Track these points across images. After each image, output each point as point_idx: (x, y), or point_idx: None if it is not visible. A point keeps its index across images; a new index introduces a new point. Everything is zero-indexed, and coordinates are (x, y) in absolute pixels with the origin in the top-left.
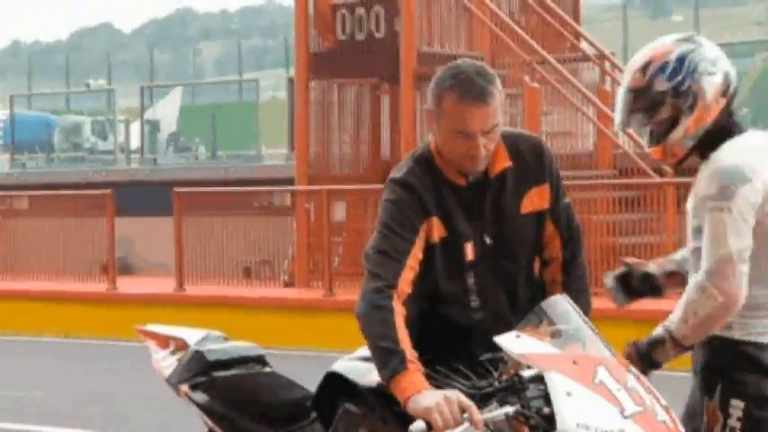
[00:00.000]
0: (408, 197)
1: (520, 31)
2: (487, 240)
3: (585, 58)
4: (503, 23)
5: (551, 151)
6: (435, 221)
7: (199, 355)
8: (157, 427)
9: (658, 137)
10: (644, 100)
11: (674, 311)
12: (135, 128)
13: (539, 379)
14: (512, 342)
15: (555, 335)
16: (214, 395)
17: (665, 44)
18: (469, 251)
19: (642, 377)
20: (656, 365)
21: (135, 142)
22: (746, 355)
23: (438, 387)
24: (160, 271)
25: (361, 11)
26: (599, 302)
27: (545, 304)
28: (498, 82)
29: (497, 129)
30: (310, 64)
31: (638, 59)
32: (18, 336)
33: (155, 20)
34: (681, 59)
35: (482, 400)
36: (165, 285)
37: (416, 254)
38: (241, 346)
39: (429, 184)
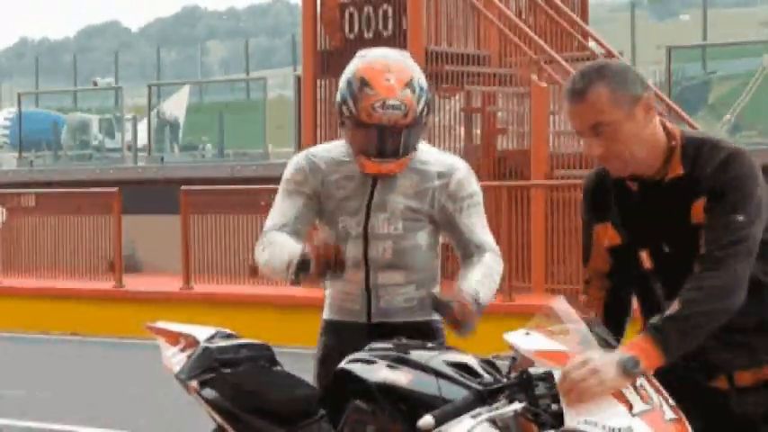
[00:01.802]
0: (583, 199)
1: (528, 30)
2: (666, 249)
3: (593, 58)
4: (511, 22)
5: (742, 167)
6: (609, 228)
7: (208, 352)
8: (162, 427)
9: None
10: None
11: (473, 283)
12: (142, 126)
13: (547, 377)
14: (521, 339)
15: (564, 333)
16: (223, 392)
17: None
18: (646, 259)
19: (650, 376)
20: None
21: (142, 140)
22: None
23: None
24: (167, 269)
25: (368, 9)
26: None
27: (554, 303)
28: (614, 80)
29: (608, 129)
30: (318, 62)
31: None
32: (25, 334)
33: (162, 18)
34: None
35: (491, 397)
36: (172, 283)
37: (599, 254)
38: (250, 344)
39: (608, 188)
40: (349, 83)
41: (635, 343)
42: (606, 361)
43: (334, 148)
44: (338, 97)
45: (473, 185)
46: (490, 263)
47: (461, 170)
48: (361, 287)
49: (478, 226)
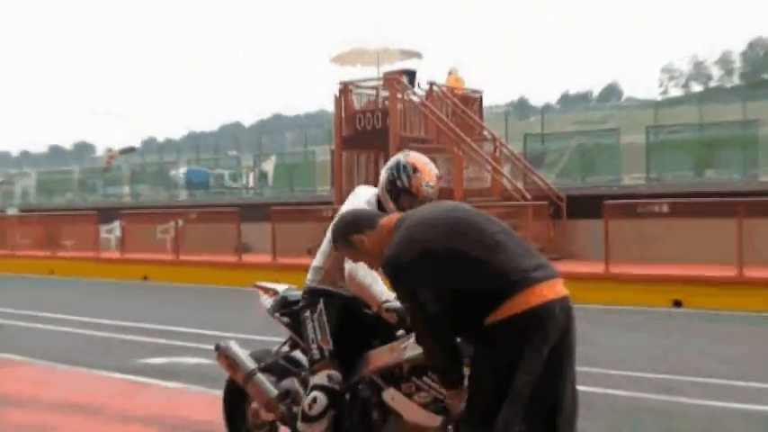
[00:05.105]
0: None
1: (451, 124)
2: None
3: (485, 139)
4: (442, 120)
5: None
6: None
7: (284, 297)
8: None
9: None
10: None
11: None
12: (251, 176)
13: None
14: None
15: None
16: (293, 319)
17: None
18: None
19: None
20: None
21: (251, 183)
22: None
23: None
24: (266, 251)
25: (369, 114)
26: None
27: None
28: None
29: None
30: (342, 142)
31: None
32: (190, 285)
33: (262, 120)
34: None
35: None
36: (267, 258)
37: None
38: None
39: None
40: (404, 167)
41: None
42: None
43: None
44: (390, 174)
45: None
46: None
47: None
48: None
49: None
